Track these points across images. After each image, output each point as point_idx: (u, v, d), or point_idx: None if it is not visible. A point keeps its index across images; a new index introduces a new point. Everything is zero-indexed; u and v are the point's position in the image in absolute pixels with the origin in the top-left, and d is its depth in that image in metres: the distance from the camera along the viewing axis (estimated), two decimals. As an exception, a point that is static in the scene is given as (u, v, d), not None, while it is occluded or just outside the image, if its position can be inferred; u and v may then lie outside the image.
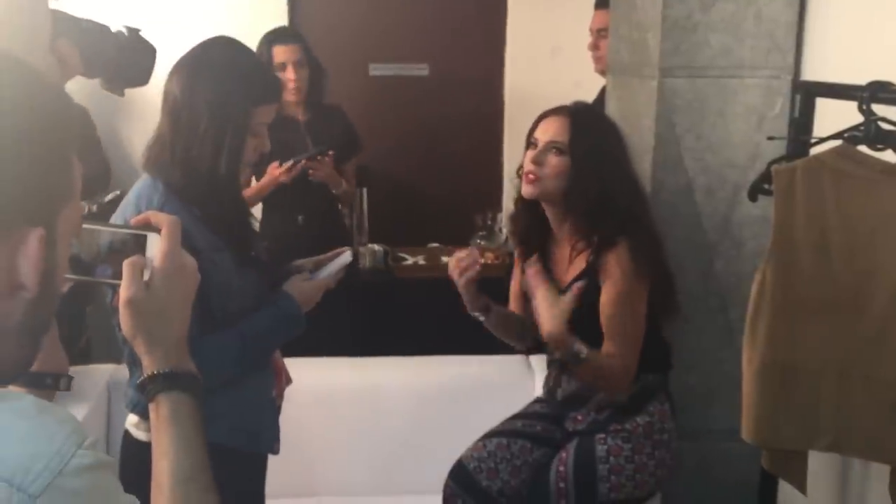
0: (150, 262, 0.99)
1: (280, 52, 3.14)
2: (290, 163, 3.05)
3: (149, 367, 1.01)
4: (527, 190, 2.08)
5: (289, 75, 3.12)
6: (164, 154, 1.70)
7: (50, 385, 1.06)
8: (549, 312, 1.93)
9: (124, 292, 0.98)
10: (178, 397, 0.99)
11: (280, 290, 1.80)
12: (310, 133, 3.24)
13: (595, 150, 2.04)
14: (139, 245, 1.01)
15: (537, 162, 2.05)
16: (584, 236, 2.06)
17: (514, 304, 2.31)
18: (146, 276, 0.99)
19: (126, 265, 0.98)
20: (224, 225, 1.72)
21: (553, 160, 2.04)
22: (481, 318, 2.17)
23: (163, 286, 0.99)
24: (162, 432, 0.98)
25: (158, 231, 1.01)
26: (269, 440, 1.86)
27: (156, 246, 1.00)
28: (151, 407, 1.00)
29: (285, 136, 3.05)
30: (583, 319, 2.05)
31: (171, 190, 1.67)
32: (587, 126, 2.07)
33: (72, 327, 2.99)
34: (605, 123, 2.16)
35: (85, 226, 1.01)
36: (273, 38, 3.20)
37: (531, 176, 2.06)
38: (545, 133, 2.07)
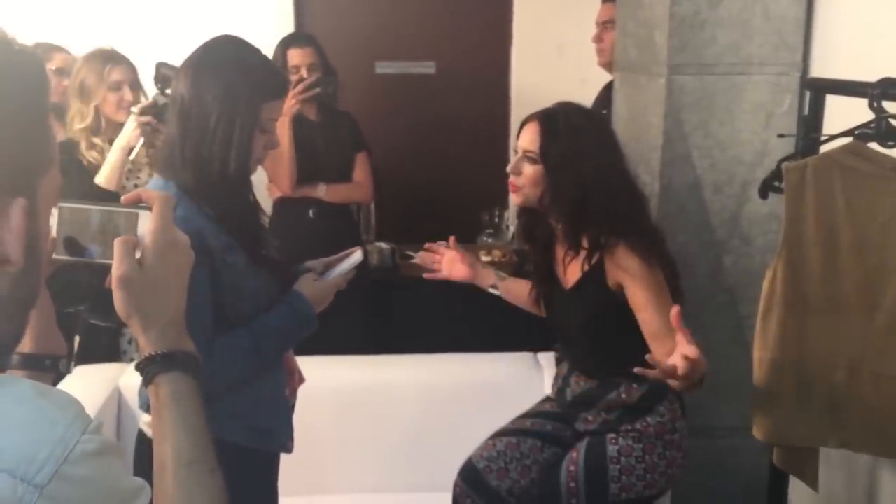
0: (142, 240, 0.98)
1: (294, 56, 3.21)
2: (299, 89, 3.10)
3: (145, 348, 0.98)
4: (513, 199, 2.12)
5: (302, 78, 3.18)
6: (174, 156, 1.70)
7: (49, 367, 1.02)
8: None
9: (116, 271, 0.96)
10: (178, 378, 0.97)
11: (292, 291, 1.80)
12: (321, 132, 3.28)
13: (566, 155, 2.00)
14: (131, 223, 0.99)
15: (514, 171, 2.06)
16: (573, 241, 2.04)
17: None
18: (138, 255, 0.97)
19: (117, 243, 0.96)
20: (237, 224, 1.72)
21: (528, 169, 2.03)
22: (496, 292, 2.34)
23: (155, 263, 0.97)
24: (162, 415, 0.95)
25: (150, 208, 0.99)
26: (284, 439, 1.87)
27: (147, 223, 0.98)
28: (150, 390, 0.98)
29: (299, 133, 3.16)
30: (595, 323, 2.07)
31: (184, 191, 1.68)
32: (557, 132, 2.01)
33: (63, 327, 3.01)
34: (582, 126, 2.05)
35: (75, 206, 1.00)
36: (288, 41, 3.29)
37: (512, 186, 2.08)
38: (521, 141, 2.07)
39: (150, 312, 0.98)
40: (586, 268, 2.03)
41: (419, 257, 2.36)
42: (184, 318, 1.01)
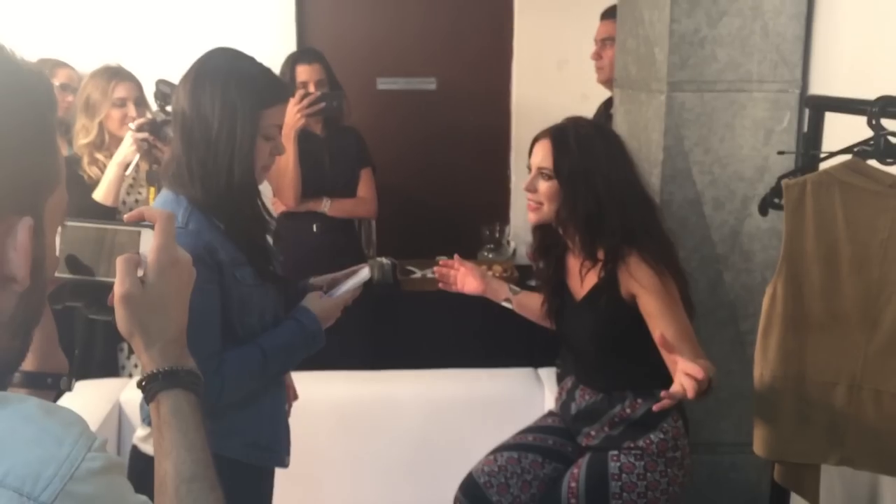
0: (145, 258, 0.98)
1: (303, 72, 3.24)
2: (305, 101, 3.12)
3: (148, 365, 0.99)
4: (530, 217, 2.14)
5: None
6: (182, 170, 1.70)
7: (50, 385, 1.02)
8: None
9: (118, 288, 0.97)
10: (179, 395, 0.98)
11: (300, 307, 1.81)
12: (327, 147, 3.30)
13: (580, 169, 2.03)
14: (133, 241, 1.00)
15: (530, 189, 2.09)
16: (589, 252, 2.06)
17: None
18: (140, 273, 0.98)
19: (119, 261, 0.97)
20: (246, 238, 1.73)
21: (543, 186, 2.07)
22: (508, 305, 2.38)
23: (157, 281, 0.98)
24: (164, 432, 0.96)
25: (152, 227, 1.00)
26: (281, 454, 1.87)
27: (150, 241, 0.99)
28: (152, 407, 0.98)
29: (305, 147, 3.19)
30: (605, 333, 2.08)
31: (195, 205, 1.68)
32: (569, 147, 2.04)
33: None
34: (593, 139, 2.08)
35: (78, 224, 1.00)
36: (296, 57, 3.32)
37: (530, 203, 2.11)
38: (534, 158, 2.10)
39: (153, 330, 0.99)
40: (602, 275, 2.05)
41: (434, 272, 2.40)
42: (185, 336, 1.02)
